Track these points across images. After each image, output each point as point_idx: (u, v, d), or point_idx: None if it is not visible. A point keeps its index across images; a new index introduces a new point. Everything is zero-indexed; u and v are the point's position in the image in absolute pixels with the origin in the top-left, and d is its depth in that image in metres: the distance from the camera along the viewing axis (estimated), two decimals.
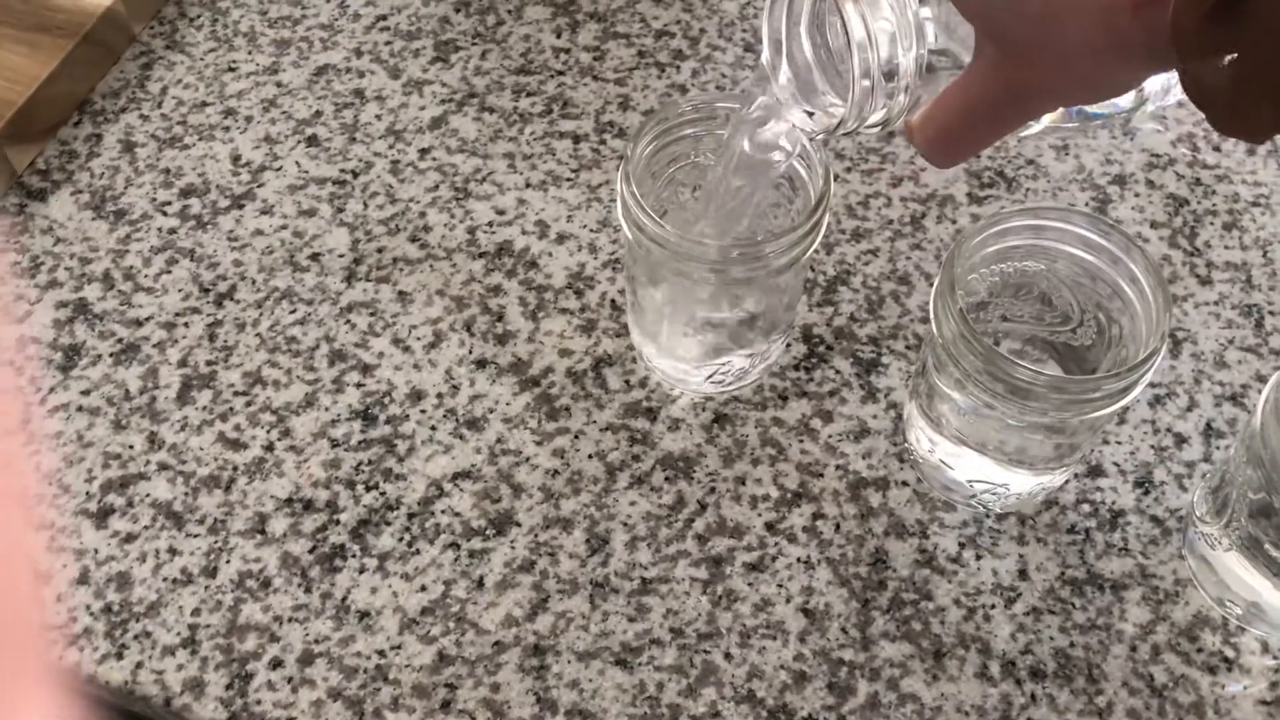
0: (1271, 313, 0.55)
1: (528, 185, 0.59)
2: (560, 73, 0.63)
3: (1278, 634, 0.47)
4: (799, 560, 0.49)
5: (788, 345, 0.54)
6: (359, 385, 0.53)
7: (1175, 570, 0.49)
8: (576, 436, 0.52)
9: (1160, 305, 0.43)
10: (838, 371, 0.54)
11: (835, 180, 0.59)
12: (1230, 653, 0.47)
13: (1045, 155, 0.60)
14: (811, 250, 0.46)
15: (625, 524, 0.50)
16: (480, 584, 0.48)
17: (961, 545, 0.49)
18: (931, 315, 0.45)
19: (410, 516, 0.50)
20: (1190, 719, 0.45)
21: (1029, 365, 0.42)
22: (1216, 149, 0.61)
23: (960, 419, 0.47)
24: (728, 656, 0.47)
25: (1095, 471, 0.51)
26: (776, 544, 0.49)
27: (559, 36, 0.64)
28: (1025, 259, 0.46)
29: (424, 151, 0.60)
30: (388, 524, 0.49)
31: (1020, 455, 0.46)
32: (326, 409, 0.52)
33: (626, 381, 0.53)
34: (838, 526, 0.50)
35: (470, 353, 0.54)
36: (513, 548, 0.49)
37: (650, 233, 0.45)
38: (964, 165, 0.60)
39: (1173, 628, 0.47)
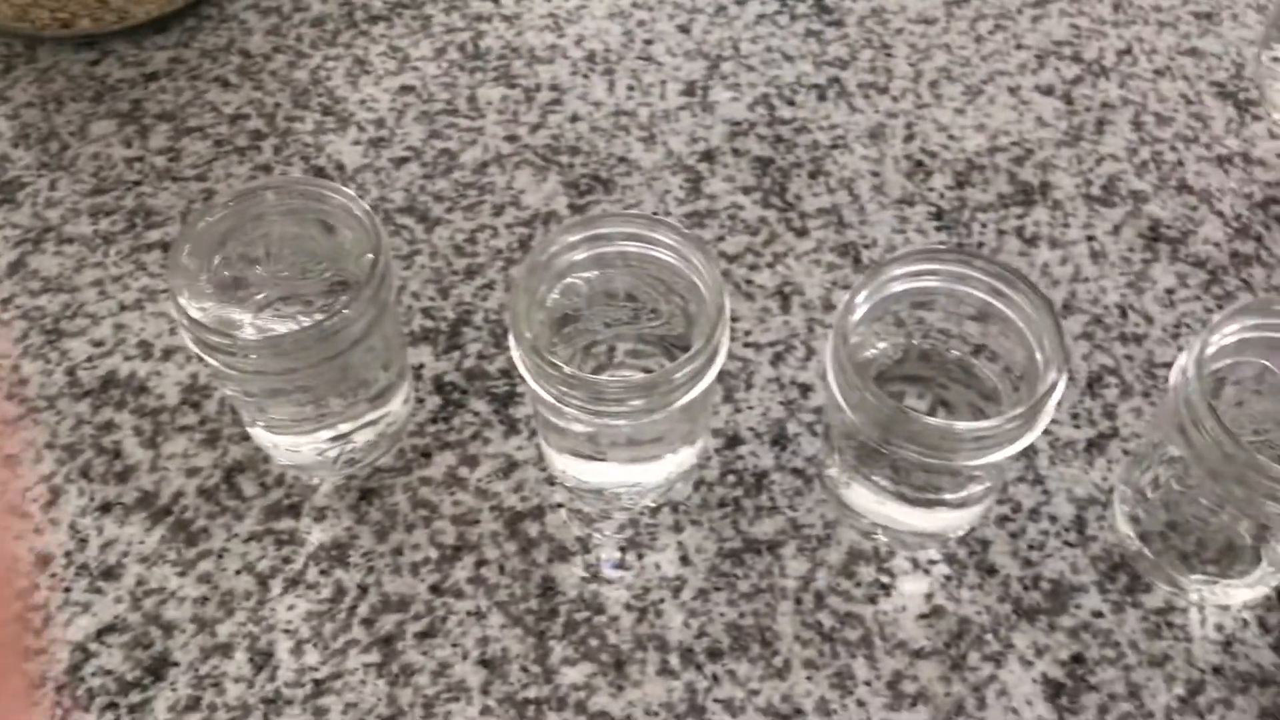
0: (865, 246, 0.58)
1: (123, 308, 0.56)
2: (137, 183, 0.61)
3: (920, 547, 0.50)
4: (469, 613, 0.48)
5: (420, 401, 0.54)
6: None
7: (822, 515, 0.51)
8: (220, 555, 0.50)
9: (715, 286, 0.44)
10: (475, 414, 0.54)
11: (438, 224, 0.59)
12: (886, 579, 0.49)
13: (634, 150, 0.62)
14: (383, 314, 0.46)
15: (287, 631, 0.48)
16: None
17: (623, 549, 0.50)
18: (513, 354, 0.45)
19: (59, 689, 0.47)
20: (860, 653, 0.47)
21: (607, 378, 0.42)
22: (790, 103, 0.64)
23: (567, 431, 0.47)
24: None
25: (733, 441, 0.53)
26: (444, 604, 0.49)
27: (129, 146, 0.62)
28: (595, 268, 0.47)
29: (5, 301, 0.57)
30: (34, 705, 0.47)
31: (636, 453, 0.47)
32: None
33: (263, 484, 0.52)
34: (501, 568, 0.50)
35: (92, 500, 0.51)
36: (174, 690, 0.47)
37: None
38: (558, 176, 0.61)
39: (830, 570, 0.49)
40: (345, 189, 0.47)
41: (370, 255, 0.45)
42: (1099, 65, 0.65)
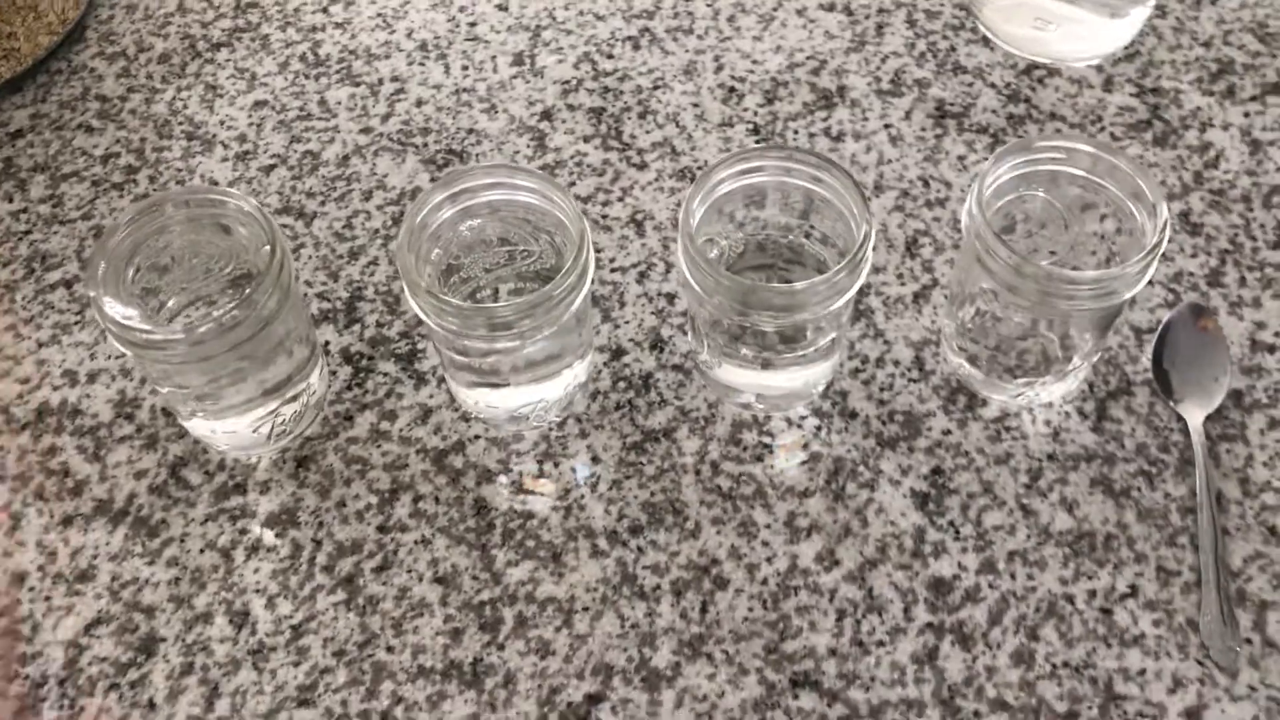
0: (699, 167, 0.66)
1: (40, 345, 0.61)
2: (27, 232, 0.65)
3: (789, 406, 0.58)
4: (416, 542, 0.55)
5: (333, 372, 0.59)
6: None
7: (705, 399, 0.58)
8: (182, 540, 0.55)
9: (574, 215, 0.51)
10: (385, 374, 0.60)
11: (315, 218, 0.65)
12: (767, 439, 0.57)
13: (480, 121, 0.68)
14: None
15: (258, 591, 0.54)
16: (151, 705, 0.51)
17: (541, 462, 0.57)
18: (413, 306, 0.51)
19: (61, 683, 0.52)
20: (757, 503, 0.55)
21: (489, 304, 0.49)
22: (610, 57, 0.71)
23: (469, 366, 0.54)
24: (389, 649, 0.52)
25: (618, 353, 0.60)
26: (392, 539, 0.55)
27: (11, 201, 0.66)
28: (466, 220, 0.54)
29: None
30: (43, 700, 0.51)
31: (535, 374, 0.54)
32: None
33: (207, 472, 0.57)
34: (436, 499, 0.56)
35: (53, 517, 0.56)
36: (167, 661, 0.52)
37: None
38: (416, 156, 0.67)
39: (719, 442, 0.57)
40: (235, 191, 0.52)
41: (268, 246, 0.51)
42: None
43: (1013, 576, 0.53)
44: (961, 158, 0.66)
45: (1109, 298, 0.51)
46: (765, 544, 0.54)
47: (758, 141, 0.67)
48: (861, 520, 0.55)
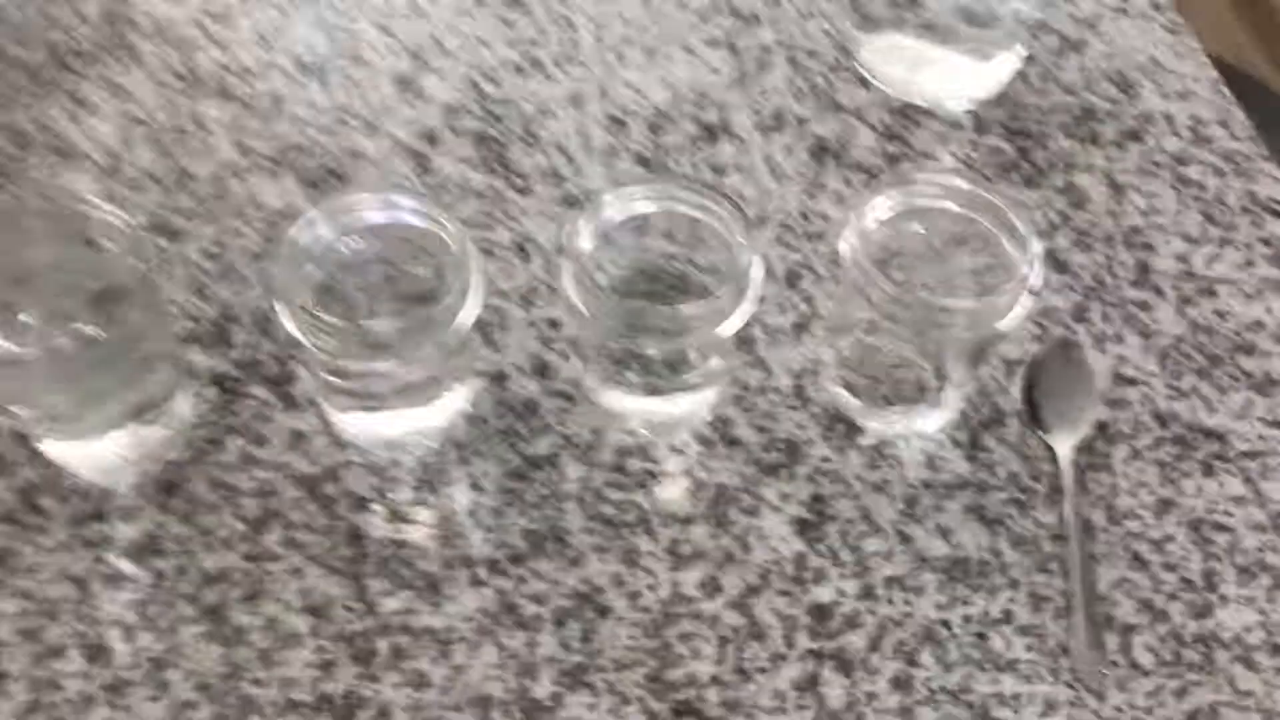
0: (584, 196, 0.66)
1: None
2: None
3: (673, 433, 0.57)
4: (286, 571, 0.53)
5: (198, 394, 0.57)
6: None
7: (589, 425, 0.58)
8: (33, 570, 0.52)
9: (457, 233, 0.51)
10: (255, 398, 0.57)
11: (184, 236, 0.63)
12: (651, 465, 0.57)
13: (360, 142, 0.67)
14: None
15: (116, 621, 0.51)
16: None
17: (417, 488, 0.55)
18: (287, 325, 0.49)
19: None
20: (639, 530, 0.55)
21: (376, 322, 0.48)
22: (494, 83, 0.70)
23: (346, 390, 0.52)
24: (257, 682, 0.50)
25: (499, 378, 0.59)
26: (261, 568, 0.53)
27: None
28: (345, 239, 0.52)
29: None
30: None
31: (413, 398, 0.53)
32: None
33: (62, 498, 0.54)
34: (308, 527, 0.54)
35: None
36: (11, 698, 0.49)
37: None
38: (293, 174, 0.65)
39: (603, 469, 0.56)
40: (103, 203, 0.50)
41: (137, 262, 0.49)
42: (753, 16, 0.75)
43: (890, 602, 0.54)
44: (839, 193, 0.67)
45: (982, 328, 0.52)
46: (648, 571, 0.54)
47: (644, 171, 0.67)
48: (743, 546, 0.55)
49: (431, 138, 0.67)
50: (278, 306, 0.49)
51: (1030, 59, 0.73)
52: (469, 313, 0.50)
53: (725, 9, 0.75)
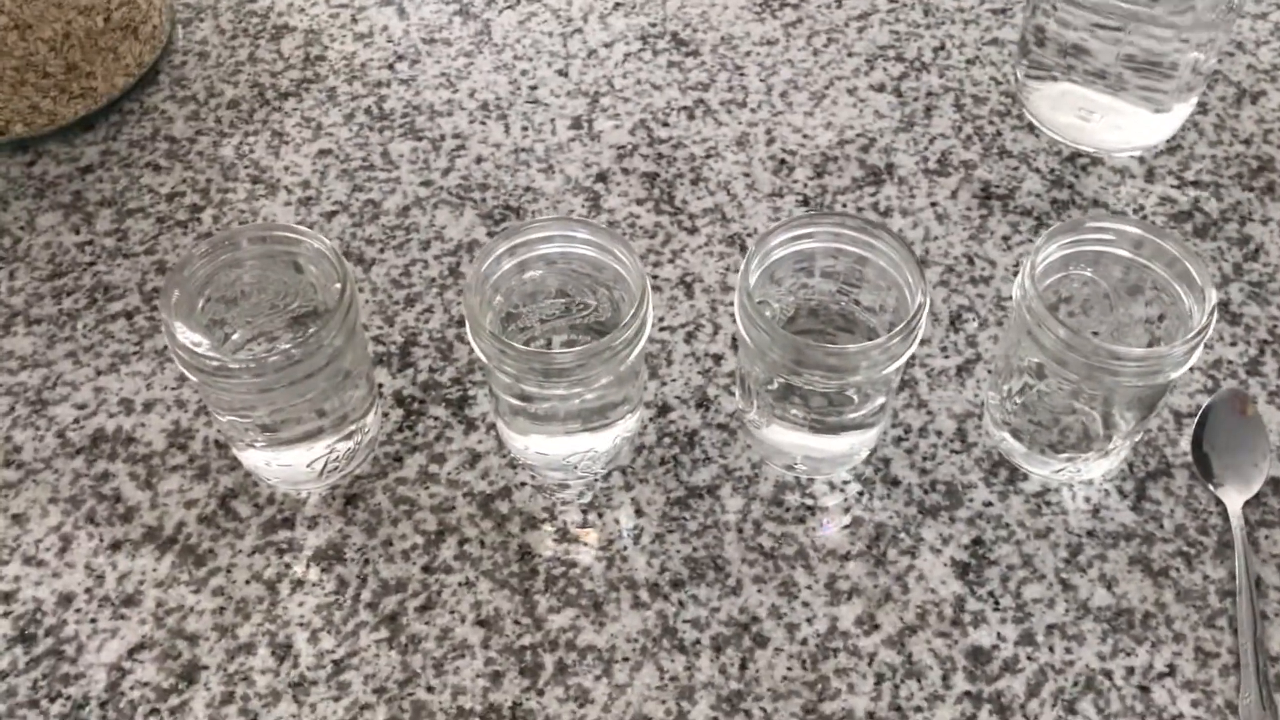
0: (748, 234, 0.68)
1: (99, 373, 0.62)
2: (91, 264, 0.66)
3: (832, 470, 0.58)
4: (460, 584, 0.55)
5: (385, 414, 0.60)
6: (6, 614, 0.55)
7: (749, 459, 0.59)
8: (229, 570, 0.56)
9: (635, 269, 0.53)
10: (435, 419, 0.61)
11: (374, 264, 0.66)
12: (810, 501, 0.58)
13: (536, 180, 0.70)
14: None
15: (301, 624, 0.54)
16: None
17: (585, 511, 0.58)
18: (479, 353, 0.52)
19: (103, 705, 0.52)
20: (799, 564, 0.56)
21: (559, 350, 0.50)
22: (665, 125, 0.73)
23: (525, 412, 0.55)
24: (430, 689, 0.52)
25: (664, 410, 0.61)
26: (437, 580, 0.55)
27: (78, 232, 0.68)
28: (526, 271, 0.55)
29: None
30: None
31: (587, 423, 0.55)
32: None
33: (256, 505, 0.58)
34: (482, 543, 0.57)
35: (102, 541, 0.56)
36: (208, 689, 0.52)
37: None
38: (474, 210, 0.69)
39: (762, 503, 0.58)
40: (309, 230, 0.54)
41: (339, 284, 0.52)
42: (920, 61, 0.76)
43: (1051, 649, 0.53)
44: (1006, 238, 0.67)
45: (1154, 376, 0.52)
46: (806, 604, 0.55)
47: (807, 211, 0.68)
48: (902, 586, 0.55)
49: (603, 177, 0.70)
50: (469, 330, 0.52)
51: (1203, 108, 0.73)
52: (643, 342, 0.52)
53: (892, 55, 0.76)
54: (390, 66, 0.76)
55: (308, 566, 0.56)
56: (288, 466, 0.56)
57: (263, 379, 0.51)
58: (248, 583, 0.55)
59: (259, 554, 0.56)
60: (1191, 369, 0.62)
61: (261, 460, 0.56)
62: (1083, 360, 0.51)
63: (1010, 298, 0.65)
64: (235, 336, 0.55)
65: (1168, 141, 0.71)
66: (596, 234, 0.54)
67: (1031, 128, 0.72)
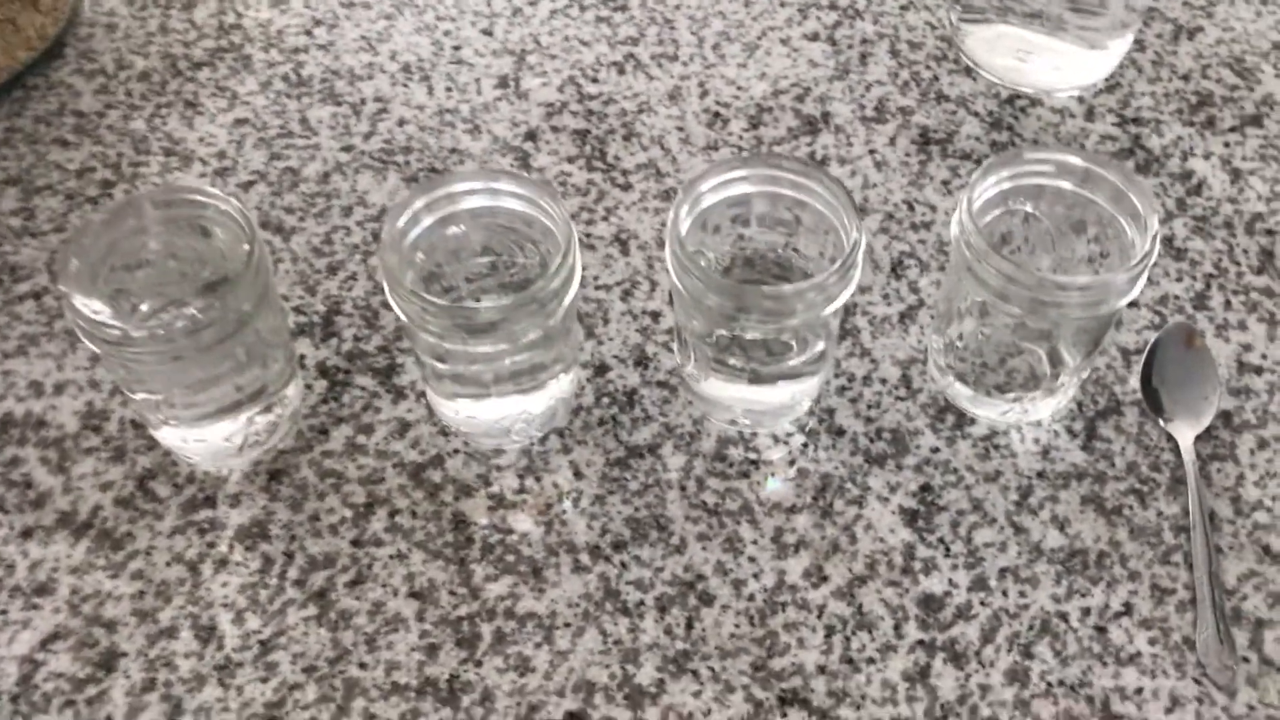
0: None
1: (5, 357, 0.59)
2: None
3: (775, 423, 0.57)
4: (391, 556, 0.53)
5: (308, 386, 0.58)
6: None
7: (690, 415, 0.57)
8: (149, 553, 0.53)
9: (561, 219, 0.51)
10: (362, 389, 0.58)
11: (294, 233, 0.64)
12: (753, 455, 0.56)
13: (463, 141, 0.68)
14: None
15: (226, 605, 0.52)
16: None
17: (521, 476, 0.55)
18: (396, 311, 0.50)
19: (14, 699, 0.49)
20: (744, 519, 0.54)
21: (474, 304, 0.48)
22: (594, 81, 0.71)
23: (452, 375, 0.52)
24: (362, 666, 0.50)
25: (601, 369, 0.59)
26: (367, 553, 0.53)
27: None
28: (448, 227, 0.53)
29: None
30: None
31: (519, 384, 0.53)
32: None
33: (176, 485, 0.55)
34: (414, 513, 0.54)
35: (12, 529, 0.54)
36: (128, 677, 0.50)
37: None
38: (398, 173, 0.66)
39: (705, 459, 0.56)
40: (215, 191, 0.51)
41: (246, 245, 0.50)
42: (853, 9, 0.74)
43: (1005, 594, 0.52)
44: (946, 182, 0.66)
45: (1099, 306, 0.50)
46: (752, 559, 0.53)
47: None
48: (850, 536, 0.53)
49: (532, 135, 0.68)
50: (386, 289, 0.50)
51: (1140, 45, 0.71)
52: (572, 295, 0.50)
53: (825, 3, 0.74)
54: (308, 32, 0.73)
55: (231, 546, 0.53)
56: (203, 442, 0.54)
57: (171, 346, 0.48)
58: (168, 565, 0.53)
59: (179, 535, 0.54)
60: (1137, 304, 0.61)
61: (178, 438, 0.54)
62: (1027, 294, 0.50)
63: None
64: (144, 307, 0.52)
65: (1106, 80, 0.70)
66: (522, 185, 0.52)
67: (969, 71, 0.71)
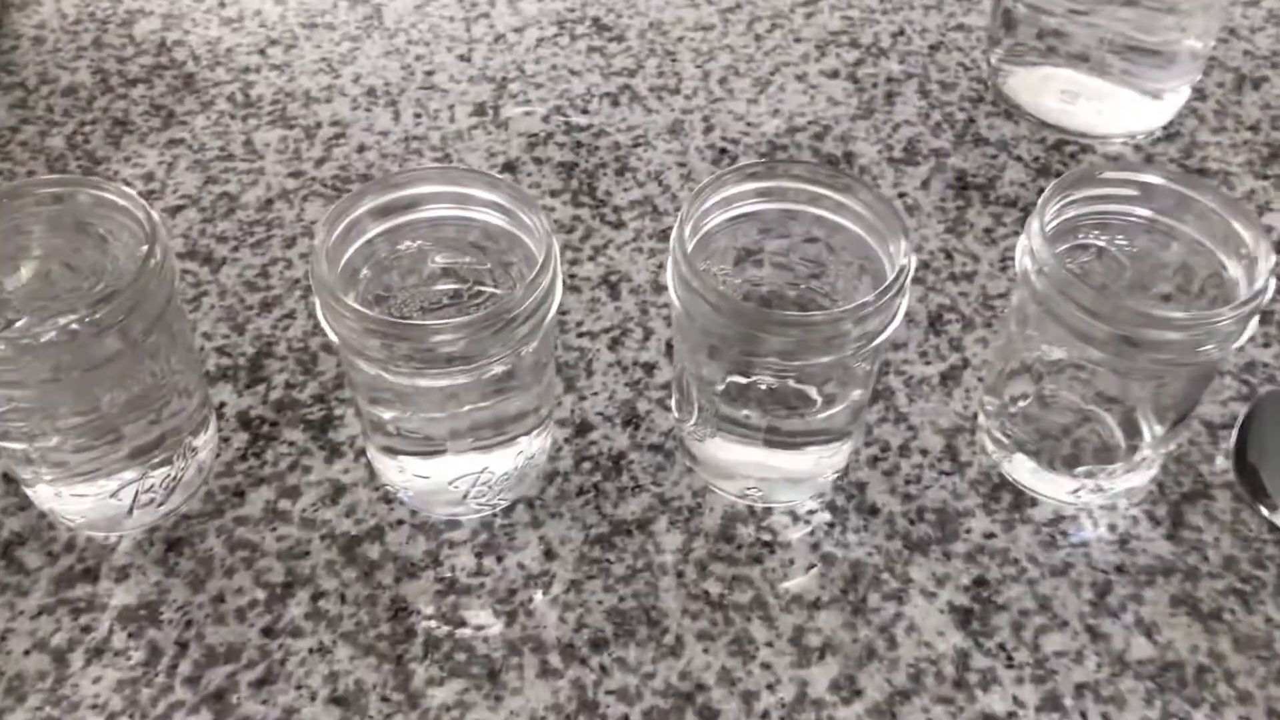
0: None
1: None
2: None
3: (794, 495, 0.46)
4: (311, 651, 0.42)
5: (225, 440, 0.48)
6: None
7: (689, 485, 0.47)
8: (4, 638, 0.42)
9: (542, 229, 0.41)
10: (291, 444, 0.48)
11: (224, 264, 0.54)
12: (767, 536, 0.45)
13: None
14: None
15: (95, 706, 0.40)
16: None
17: (479, 554, 0.45)
18: (328, 332, 0.40)
19: None
20: (756, 614, 0.43)
21: (438, 321, 0.38)
22: (584, 112, 0.62)
23: (402, 424, 0.42)
24: None
25: (583, 428, 0.49)
26: (280, 645, 0.42)
27: None
28: (403, 240, 0.43)
29: None
30: None
31: (478, 439, 0.43)
32: None
33: (49, 553, 0.44)
34: (343, 597, 0.43)
35: None
36: None
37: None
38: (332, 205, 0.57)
39: (707, 539, 0.45)
40: (116, 184, 0.42)
41: (145, 247, 0.40)
42: (877, 47, 0.66)
43: (1083, 715, 0.41)
44: (989, 230, 0.57)
45: (1200, 348, 0.40)
46: (766, 666, 0.42)
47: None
48: (888, 639, 0.43)
49: (511, 166, 0.59)
50: (318, 305, 0.40)
51: (1202, 95, 0.64)
52: (549, 318, 0.40)
53: (845, 41, 0.67)
54: (261, 51, 0.65)
55: (111, 630, 0.42)
56: (84, 498, 0.43)
57: (38, 365, 0.38)
58: (27, 653, 0.42)
59: (47, 615, 0.43)
60: (1220, 372, 0.51)
61: (52, 494, 0.43)
62: (1113, 334, 0.40)
63: (999, 295, 0.54)
64: (20, 323, 0.42)
65: (1164, 128, 0.62)
66: (496, 191, 0.43)
67: (1009, 115, 0.62)
